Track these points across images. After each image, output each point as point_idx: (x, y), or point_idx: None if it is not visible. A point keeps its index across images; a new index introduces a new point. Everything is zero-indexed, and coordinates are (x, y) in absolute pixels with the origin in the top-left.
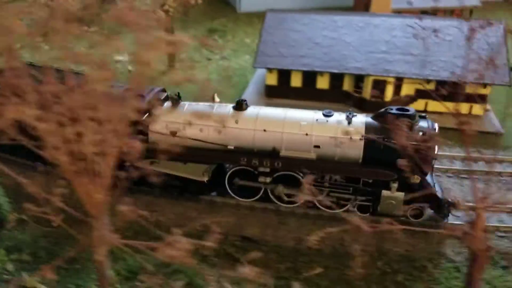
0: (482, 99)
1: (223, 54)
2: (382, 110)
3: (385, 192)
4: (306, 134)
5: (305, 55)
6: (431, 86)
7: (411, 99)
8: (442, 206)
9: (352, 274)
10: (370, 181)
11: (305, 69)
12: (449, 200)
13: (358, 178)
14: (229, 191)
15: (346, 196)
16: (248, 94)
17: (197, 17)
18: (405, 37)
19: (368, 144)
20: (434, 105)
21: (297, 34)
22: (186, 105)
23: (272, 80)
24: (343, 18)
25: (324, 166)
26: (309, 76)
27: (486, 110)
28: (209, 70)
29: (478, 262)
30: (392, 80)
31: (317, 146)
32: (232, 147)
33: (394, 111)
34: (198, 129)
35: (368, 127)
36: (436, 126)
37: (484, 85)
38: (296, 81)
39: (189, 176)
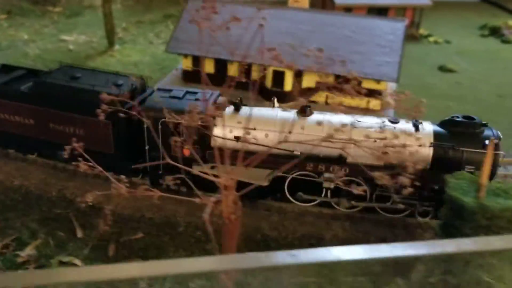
0: (376, 94)
1: (166, 39)
2: (448, 117)
3: None
4: (375, 141)
5: (216, 43)
6: (330, 80)
7: (312, 91)
8: None
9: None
10: (436, 187)
11: (212, 56)
12: None
13: (425, 185)
14: (288, 196)
15: (412, 201)
16: (169, 77)
17: (160, 2)
18: (309, 31)
19: (437, 151)
20: (335, 98)
21: (213, 23)
22: (249, 110)
23: (188, 64)
24: (253, 9)
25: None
26: (221, 63)
27: (387, 106)
28: (146, 53)
29: (228, 230)
30: (289, 71)
31: (385, 153)
32: (298, 153)
33: (460, 119)
34: (263, 134)
35: (436, 134)
36: (500, 134)
37: (378, 81)
38: (209, 67)
39: (251, 181)
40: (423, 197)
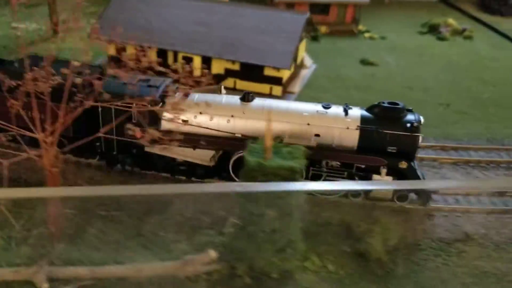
0: (278, 81)
1: None
2: (375, 103)
3: (375, 177)
4: (308, 124)
5: (135, 30)
6: (236, 67)
7: (221, 77)
8: (425, 191)
9: None
10: (363, 166)
11: (131, 43)
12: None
13: (352, 164)
14: (233, 176)
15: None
16: (99, 62)
17: None
18: (221, 21)
19: (363, 134)
20: (242, 84)
21: (134, 12)
22: (196, 96)
23: (112, 50)
24: (175, 0)
25: (323, 153)
26: (141, 49)
27: (290, 92)
28: (85, 41)
29: (50, 180)
30: (198, 57)
31: (317, 135)
32: (240, 135)
33: (385, 104)
34: (209, 118)
35: (363, 118)
36: (422, 118)
37: (278, 69)
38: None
39: (197, 161)
40: (352, 175)
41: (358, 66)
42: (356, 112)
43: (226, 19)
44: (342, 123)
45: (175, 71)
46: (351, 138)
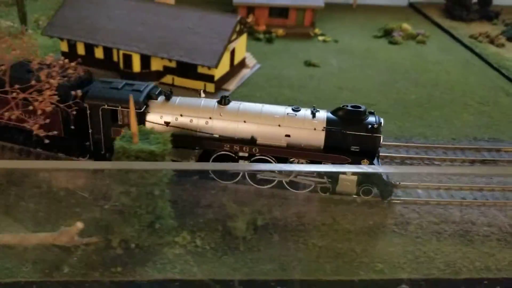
0: (210, 79)
1: None
2: (340, 106)
3: (341, 175)
4: (279, 126)
5: (83, 29)
6: (173, 65)
7: (160, 73)
8: (387, 186)
9: None
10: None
11: (79, 40)
12: (392, 181)
13: (320, 162)
14: (212, 174)
15: (313, 178)
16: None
17: None
18: (161, 22)
19: (328, 134)
20: (179, 81)
21: (84, 12)
22: (178, 99)
23: (64, 47)
24: (125, 2)
25: (292, 152)
26: (89, 47)
27: (225, 89)
28: (51, 38)
29: None
30: (137, 55)
31: (287, 135)
32: (217, 136)
33: (349, 107)
34: (189, 120)
35: (328, 120)
36: (382, 120)
37: (208, 68)
38: (80, 49)
39: (179, 160)
40: (320, 173)
41: (301, 67)
42: (322, 114)
43: (165, 20)
44: (310, 124)
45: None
46: (318, 138)
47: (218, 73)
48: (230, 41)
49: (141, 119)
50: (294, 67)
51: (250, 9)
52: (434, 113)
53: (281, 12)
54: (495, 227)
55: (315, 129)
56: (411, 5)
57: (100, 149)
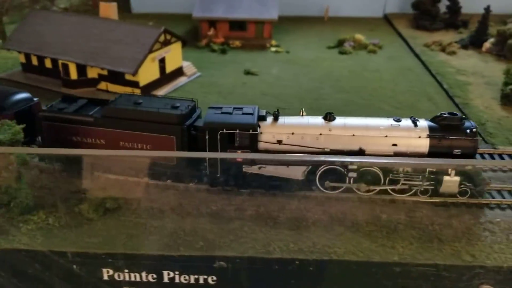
0: (136, 85)
1: None
2: (437, 115)
3: (446, 177)
4: (386, 136)
5: (35, 42)
6: (105, 72)
7: (96, 80)
8: (483, 186)
9: None
10: (434, 169)
11: (34, 53)
12: (485, 180)
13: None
14: (319, 186)
15: (416, 182)
16: (16, 70)
17: None
18: (93, 33)
19: (432, 141)
20: (112, 87)
21: (38, 28)
22: (285, 119)
23: (22, 59)
24: (70, 18)
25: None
26: (40, 58)
27: (154, 95)
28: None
29: None
30: (73, 64)
31: (394, 145)
32: (328, 150)
33: (446, 115)
34: (300, 137)
35: (430, 128)
36: (476, 124)
37: (134, 74)
38: (34, 61)
39: (291, 176)
40: (425, 177)
41: (240, 75)
42: (423, 123)
43: (101, 32)
44: (414, 133)
45: None
46: (423, 145)
47: (144, 79)
48: (151, 51)
49: (255, 140)
50: (233, 76)
51: (212, 23)
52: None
53: (241, 25)
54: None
55: (419, 136)
56: (385, 16)
57: (216, 172)
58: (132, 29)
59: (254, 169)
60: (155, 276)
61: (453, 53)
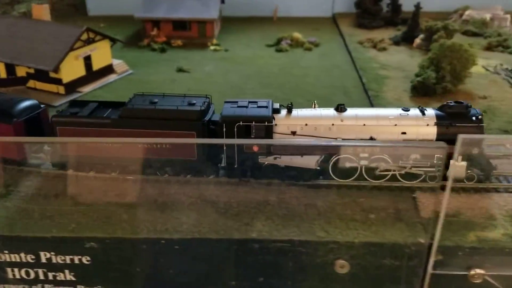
0: (59, 82)
1: None
2: (444, 103)
3: (452, 162)
4: (395, 125)
5: None
6: (32, 71)
7: (25, 79)
8: (489, 170)
9: None
10: (441, 155)
11: None
12: (492, 165)
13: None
14: (332, 175)
15: (425, 168)
16: None
17: None
18: (22, 34)
19: (440, 128)
20: (39, 85)
21: None
22: (298, 111)
23: None
24: (4, 20)
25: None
26: None
27: (78, 91)
28: None
29: None
30: (1, 63)
31: (403, 133)
32: (341, 139)
33: (452, 103)
34: (314, 128)
35: (437, 116)
36: (480, 111)
37: (55, 71)
38: None
39: (304, 166)
40: (433, 163)
41: (172, 72)
42: (431, 112)
43: (28, 33)
44: (423, 121)
45: None
46: (431, 132)
47: (67, 77)
48: (73, 49)
49: (270, 131)
50: (165, 73)
51: (155, 23)
52: None
53: (184, 25)
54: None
55: (427, 124)
56: (333, 16)
57: (233, 163)
58: (57, 29)
59: (269, 160)
60: (33, 256)
61: (383, 49)
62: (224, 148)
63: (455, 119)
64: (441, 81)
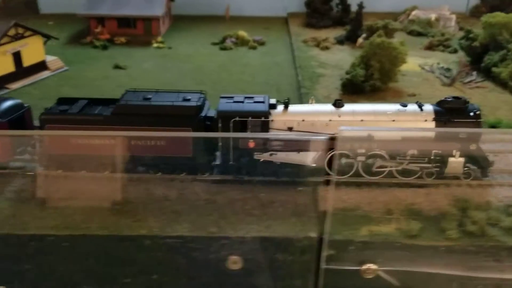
0: None
1: None
2: (442, 99)
3: (451, 159)
4: (393, 120)
5: None
6: None
7: None
8: (486, 167)
9: None
10: (440, 151)
11: None
12: (489, 161)
13: (430, 150)
14: (328, 170)
15: (422, 165)
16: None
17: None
18: None
19: (438, 124)
20: None
21: None
22: (295, 107)
23: None
24: None
25: (406, 143)
26: None
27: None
28: None
29: None
30: None
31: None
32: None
33: (451, 99)
34: (311, 123)
35: (435, 111)
36: (479, 107)
37: None
38: None
39: (302, 163)
40: (431, 159)
41: (108, 69)
42: (429, 107)
43: None
44: (421, 117)
45: None
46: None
47: None
48: None
49: (266, 127)
50: (100, 70)
51: (100, 20)
52: None
53: (129, 22)
54: None
55: (425, 120)
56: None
57: (228, 160)
58: None
59: (265, 156)
60: None
61: (326, 48)
62: (220, 143)
63: (453, 115)
64: (370, 78)
